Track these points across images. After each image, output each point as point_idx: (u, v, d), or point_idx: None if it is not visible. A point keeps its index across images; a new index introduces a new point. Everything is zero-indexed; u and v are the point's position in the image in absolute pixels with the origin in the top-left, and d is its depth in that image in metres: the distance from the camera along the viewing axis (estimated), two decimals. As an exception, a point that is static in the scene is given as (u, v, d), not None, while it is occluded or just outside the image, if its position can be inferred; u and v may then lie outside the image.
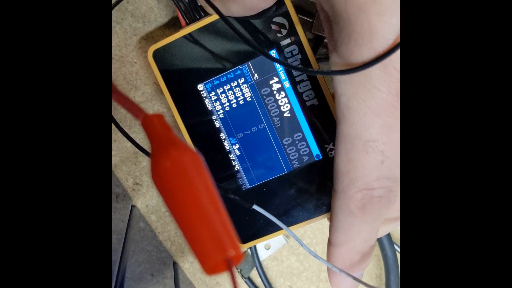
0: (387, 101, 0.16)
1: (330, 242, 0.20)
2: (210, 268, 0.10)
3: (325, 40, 0.26)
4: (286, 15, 0.20)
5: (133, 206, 0.29)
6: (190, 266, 0.31)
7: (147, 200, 0.30)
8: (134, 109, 0.12)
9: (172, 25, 0.27)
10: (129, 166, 0.29)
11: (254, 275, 0.31)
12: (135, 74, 0.28)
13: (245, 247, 0.24)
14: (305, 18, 0.26)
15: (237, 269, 0.30)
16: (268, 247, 0.30)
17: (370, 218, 0.18)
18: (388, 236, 0.29)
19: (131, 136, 0.28)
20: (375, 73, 0.16)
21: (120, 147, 0.29)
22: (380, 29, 0.15)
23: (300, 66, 0.21)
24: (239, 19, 0.21)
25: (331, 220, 0.20)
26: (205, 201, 0.11)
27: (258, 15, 0.20)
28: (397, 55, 0.15)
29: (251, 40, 0.18)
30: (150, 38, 0.27)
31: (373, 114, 0.16)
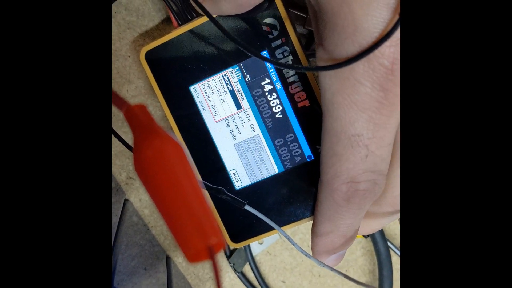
0: (372, 96, 0.16)
1: (314, 227, 0.20)
2: (192, 255, 0.11)
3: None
4: (277, 17, 0.20)
5: (126, 200, 0.30)
6: (183, 260, 0.31)
7: (140, 195, 0.30)
8: (117, 100, 0.12)
9: (166, 19, 0.27)
10: (123, 160, 0.29)
11: (247, 269, 0.31)
12: (128, 68, 0.28)
13: (238, 247, 0.24)
14: (298, 13, 0.26)
15: (230, 263, 0.30)
16: (261, 242, 0.31)
17: (354, 208, 0.18)
18: (381, 231, 0.29)
19: (124, 131, 0.28)
20: (359, 67, 0.15)
21: (113, 142, 0.29)
22: (364, 22, 0.15)
23: (285, 63, 0.21)
24: (230, 20, 0.21)
25: (316, 207, 0.20)
26: (187, 189, 0.11)
27: (249, 13, 0.20)
28: (382, 50, 0.15)
29: (237, 39, 0.18)
30: (144, 32, 0.27)
31: (358, 109, 0.16)
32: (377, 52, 0.15)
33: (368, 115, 0.16)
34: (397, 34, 0.15)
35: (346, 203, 0.18)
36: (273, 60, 0.18)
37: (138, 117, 0.11)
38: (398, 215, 0.21)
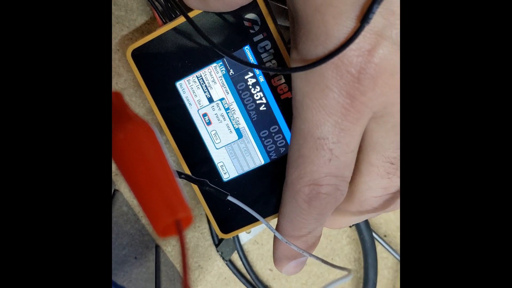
0: (339, 102, 0.16)
1: (277, 230, 0.21)
2: (161, 230, 0.11)
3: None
4: (258, 12, 0.21)
5: (116, 190, 0.30)
6: (172, 249, 0.32)
7: (130, 185, 0.30)
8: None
9: (154, 13, 0.28)
10: (113, 151, 0.30)
11: (235, 258, 0.32)
12: (117, 61, 0.28)
13: (228, 237, 0.25)
14: (283, 6, 0.26)
15: (218, 252, 0.31)
16: (248, 232, 0.31)
17: (315, 212, 0.19)
18: (366, 221, 0.30)
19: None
20: (328, 73, 0.16)
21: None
22: (336, 31, 0.15)
23: (255, 63, 0.21)
24: (212, 16, 0.21)
25: (279, 209, 0.21)
26: (156, 168, 0.11)
27: (236, 10, 0.21)
28: (350, 59, 0.16)
29: (208, 37, 0.19)
30: (132, 26, 0.28)
31: (325, 113, 0.17)
32: (345, 60, 0.16)
33: (334, 120, 0.17)
34: (365, 45, 0.15)
35: (308, 206, 0.19)
36: (242, 60, 0.19)
37: (112, 104, 0.12)
38: (365, 217, 0.21)
